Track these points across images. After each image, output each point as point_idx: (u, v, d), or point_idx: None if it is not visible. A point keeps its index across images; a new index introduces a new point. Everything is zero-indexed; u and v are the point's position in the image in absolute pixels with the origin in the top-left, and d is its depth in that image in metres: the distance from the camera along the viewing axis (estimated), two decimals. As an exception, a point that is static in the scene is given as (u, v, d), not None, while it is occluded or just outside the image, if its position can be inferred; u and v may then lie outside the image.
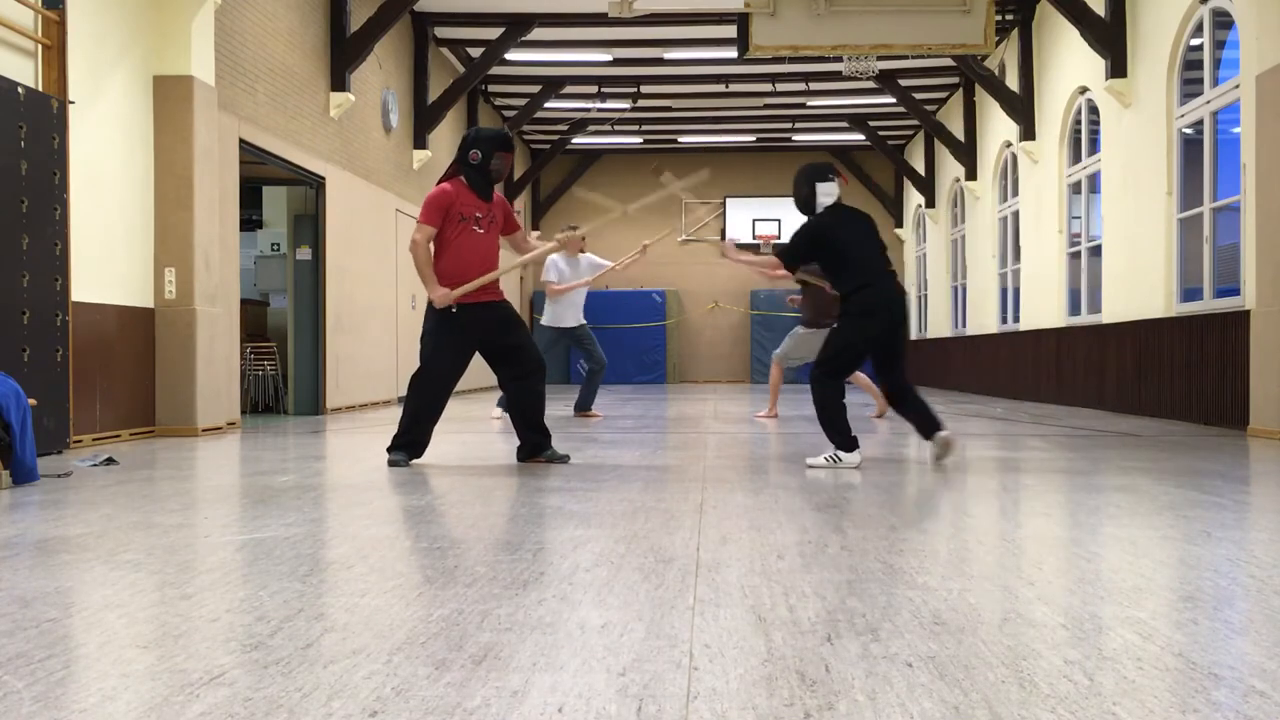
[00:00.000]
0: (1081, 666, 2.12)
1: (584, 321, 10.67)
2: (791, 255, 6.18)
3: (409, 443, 6.02)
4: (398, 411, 12.39)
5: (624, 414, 11.33)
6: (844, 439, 5.90)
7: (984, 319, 16.54)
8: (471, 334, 5.99)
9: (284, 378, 12.24)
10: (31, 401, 5.42)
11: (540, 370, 6.04)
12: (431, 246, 5.98)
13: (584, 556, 3.28)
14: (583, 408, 10.64)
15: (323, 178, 11.56)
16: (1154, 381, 10.20)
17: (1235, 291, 8.97)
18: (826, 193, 6.14)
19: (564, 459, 6.07)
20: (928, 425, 6.02)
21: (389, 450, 6.04)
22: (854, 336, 5.92)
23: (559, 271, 10.42)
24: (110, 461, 6.12)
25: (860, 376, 10.82)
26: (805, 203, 6.17)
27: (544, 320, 10.61)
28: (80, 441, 7.37)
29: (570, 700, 1.93)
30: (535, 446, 6.06)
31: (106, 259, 7.81)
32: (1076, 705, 1.90)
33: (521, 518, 4.14)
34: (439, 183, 6.01)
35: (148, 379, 8.33)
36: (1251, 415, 8.03)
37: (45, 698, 1.95)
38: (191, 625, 2.49)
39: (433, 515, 4.19)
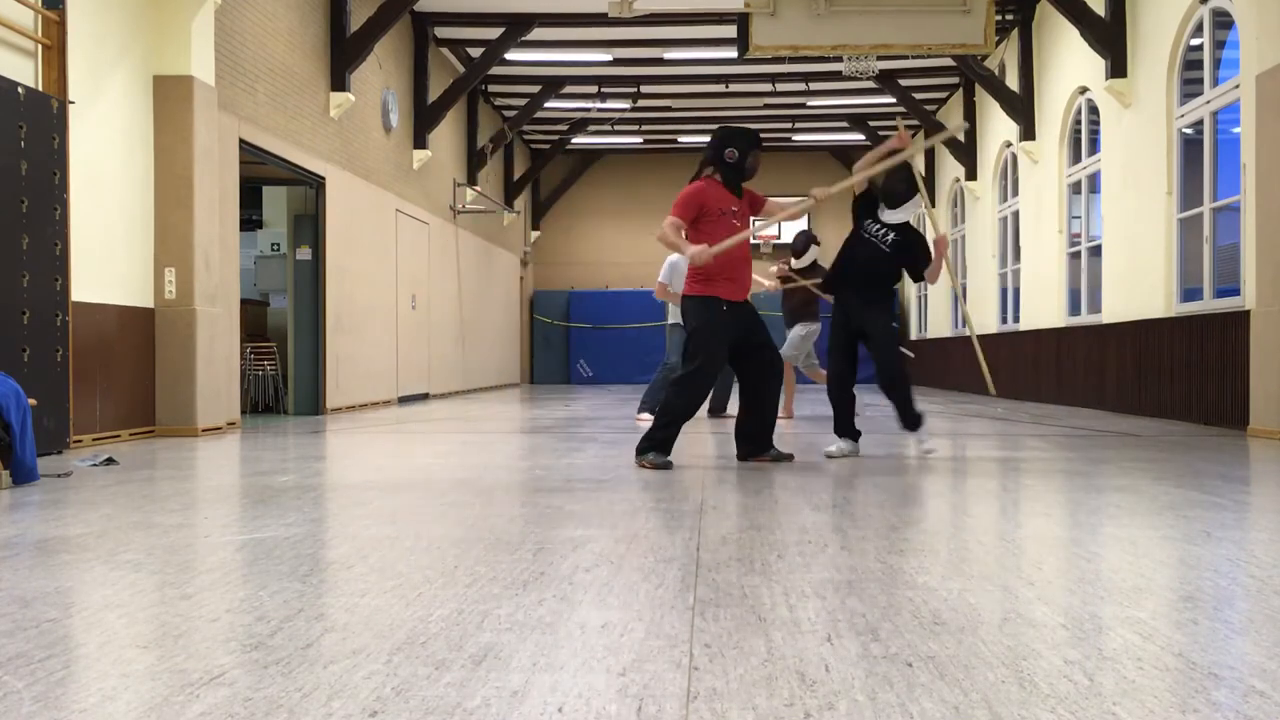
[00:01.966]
0: (1081, 666, 2.12)
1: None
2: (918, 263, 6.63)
3: (666, 440, 5.92)
4: (398, 411, 12.47)
5: (624, 414, 11.32)
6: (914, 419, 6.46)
7: (984, 319, 16.54)
8: (735, 331, 5.95)
9: (284, 378, 12.24)
10: (31, 401, 5.42)
11: (781, 371, 6.16)
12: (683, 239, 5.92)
13: (584, 556, 3.28)
14: (718, 410, 10.50)
15: (323, 178, 11.56)
16: (1154, 381, 10.20)
17: (1235, 291, 8.97)
18: (915, 205, 6.58)
19: (789, 458, 6.10)
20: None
21: (649, 453, 5.86)
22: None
23: (675, 271, 10.05)
24: (110, 461, 6.12)
25: (821, 372, 10.84)
26: (901, 197, 6.48)
27: (671, 320, 10.38)
28: (80, 441, 7.37)
29: (570, 700, 1.93)
30: (761, 446, 6.10)
31: (106, 259, 7.81)
32: (1076, 705, 1.90)
33: (521, 518, 4.15)
34: (690, 181, 6.06)
35: (148, 379, 8.33)
36: (1251, 415, 8.03)
37: (45, 698, 1.95)
38: (191, 625, 2.49)
39: (433, 515, 4.19)
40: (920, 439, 6.56)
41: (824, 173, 23.19)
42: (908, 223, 6.50)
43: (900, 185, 6.41)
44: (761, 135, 6.34)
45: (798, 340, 10.48)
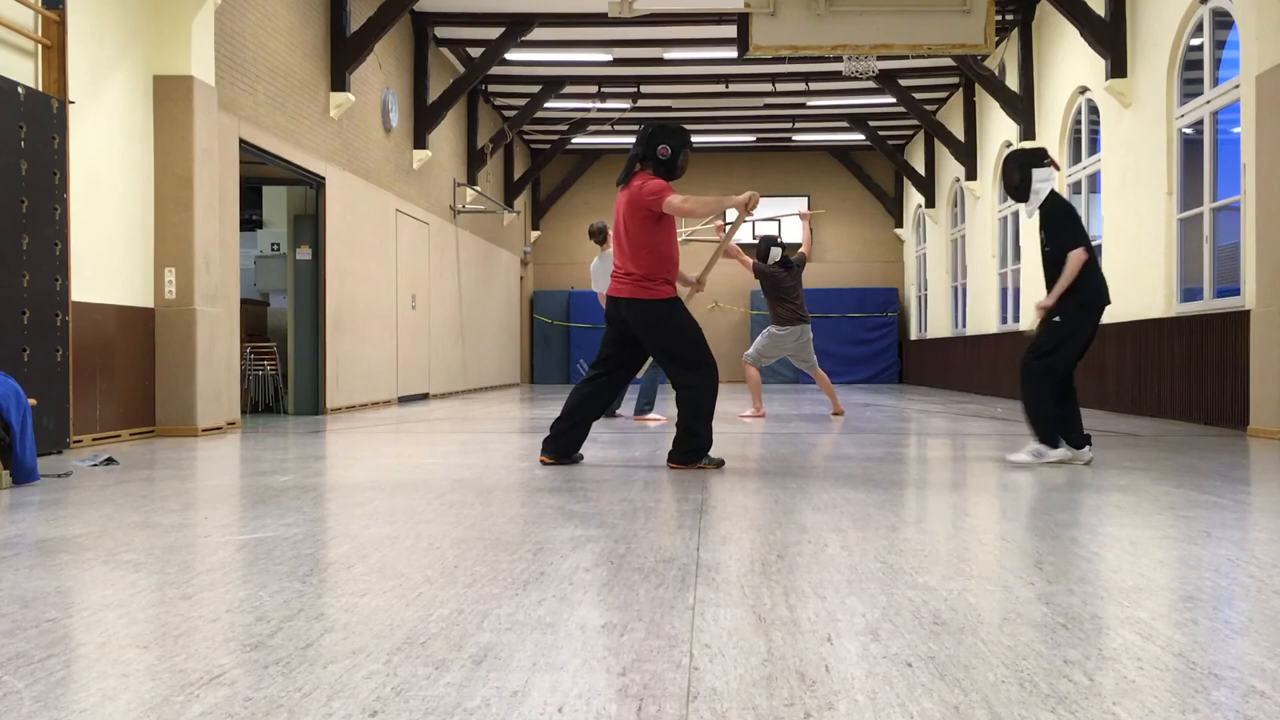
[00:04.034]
0: (1081, 666, 2.12)
1: None
2: (1072, 243, 5.92)
3: (710, 440, 5.87)
4: (398, 411, 12.47)
5: (624, 414, 11.32)
6: (1048, 434, 5.91)
7: (984, 319, 16.54)
8: None
9: (284, 378, 12.24)
10: (31, 401, 5.42)
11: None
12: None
13: (584, 556, 3.28)
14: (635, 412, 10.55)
15: (323, 178, 11.56)
16: (1154, 381, 10.20)
17: (1235, 291, 8.97)
18: (1043, 179, 6.00)
19: (719, 464, 5.97)
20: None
21: (700, 458, 5.80)
22: (1079, 330, 5.88)
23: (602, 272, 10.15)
24: (110, 461, 6.12)
25: (821, 376, 10.91)
26: (1017, 190, 6.06)
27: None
28: (80, 441, 7.37)
29: (570, 700, 1.93)
30: (576, 445, 6.08)
31: (106, 259, 7.81)
32: (1076, 705, 1.90)
33: (521, 518, 4.14)
34: (620, 180, 5.99)
35: (148, 379, 8.33)
36: (1251, 415, 8.03)
37: (45, 698, 1.95)
38: (191, 625, 2.49)
39: (433, 515, 4.19)
40: (1037, 450, 5.99)
41: (824, 173, 23.22)
42: (1045, 201, 6.01)
43: (1014, 178, 6.04)
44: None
45: (765, 343, 10.67)
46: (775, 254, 10.66)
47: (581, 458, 6.19)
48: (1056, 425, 5.96)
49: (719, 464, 5.85)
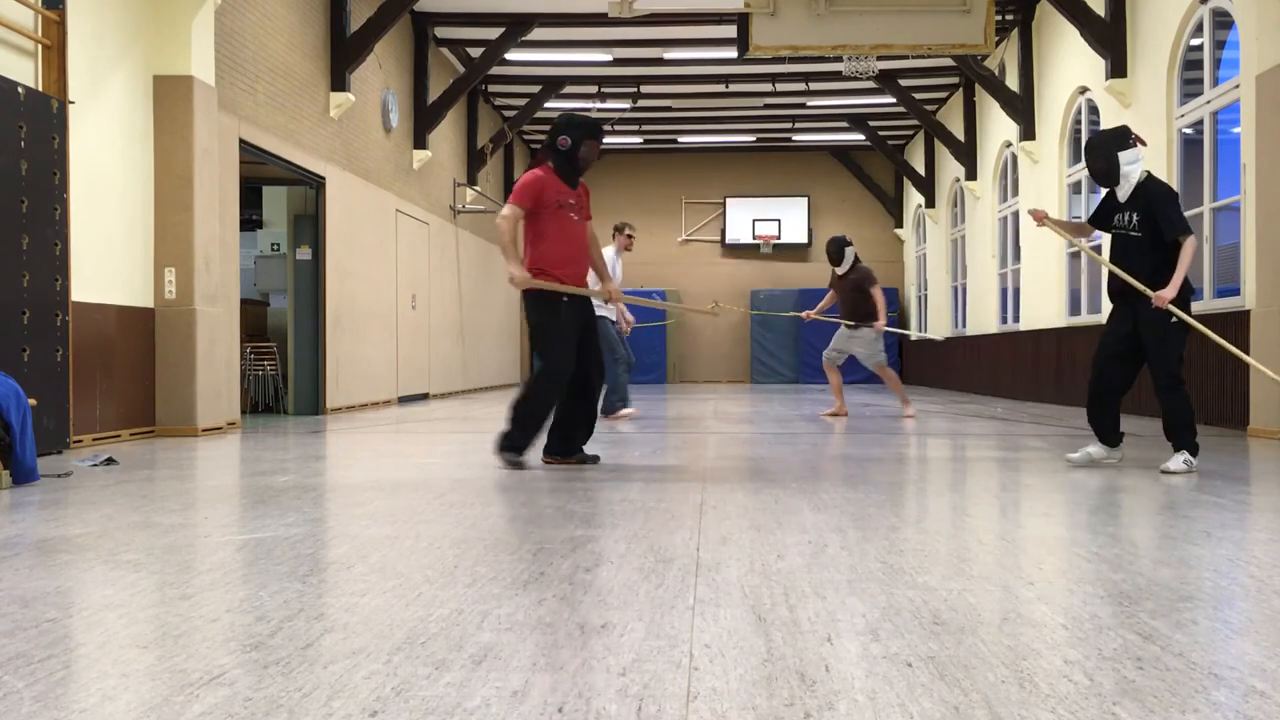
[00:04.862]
0: (1081, 666, 2.12)
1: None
2: (1185, 227, 5.58)
3: (529, 445, 5.87)
4: (398, 411, 12.47)
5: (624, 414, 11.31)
6: (1194, 440, 5.58)
7: (984, 319, 16.54)
8: (577, 328, 5.89)
9: (284, 378, 12.24)
10: (31, 401, 5.42)
11: (602, 374, 6.06)
12: (520, 230, 5.89)
13: (584, 556, 3.28)
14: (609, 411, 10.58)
15: (323, 178, 11.56)
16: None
17: (1235, 291, 8.97)
18: (1131, 160, 5.63)
19: (594, 460, 6.01)
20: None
21: (508, 452, 5.82)
22: (1181, 323, 5.52)
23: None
24: (110, 461, 6.12)
25: (891, 372, 10.79)
26: (1105, 176, 5.70)
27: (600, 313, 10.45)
28: (80, 441, 7.37)
29: (570, 700, 1.93)
30: (571, 444, 5.99)
31: (106, 259, 7.81)
32: (1076, 705, 1.90)
33: (521, 518, 4.14)
34: (529, 169, 6.00)
35: (148, 379, 8.33)
36: (1251, 415, 8.03)
37: (45, 698, 1.95)
38: (191, 625, 2.49)
39: (433, 515, 4.19)
40: (1188, 460, 5.56)
41: (824, 173, 23.21)
42: (1141, 182, 5.68)
43: (1100, 164, 5.69)
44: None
45: (870, 341, 10.54)
46: (849, 255, 10.56)
47: (597, 459, 6.11)
48: (1114, 423, 5.78)
49: (516, 465, 5.77)
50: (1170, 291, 5.47)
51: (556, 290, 5.75)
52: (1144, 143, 5.80)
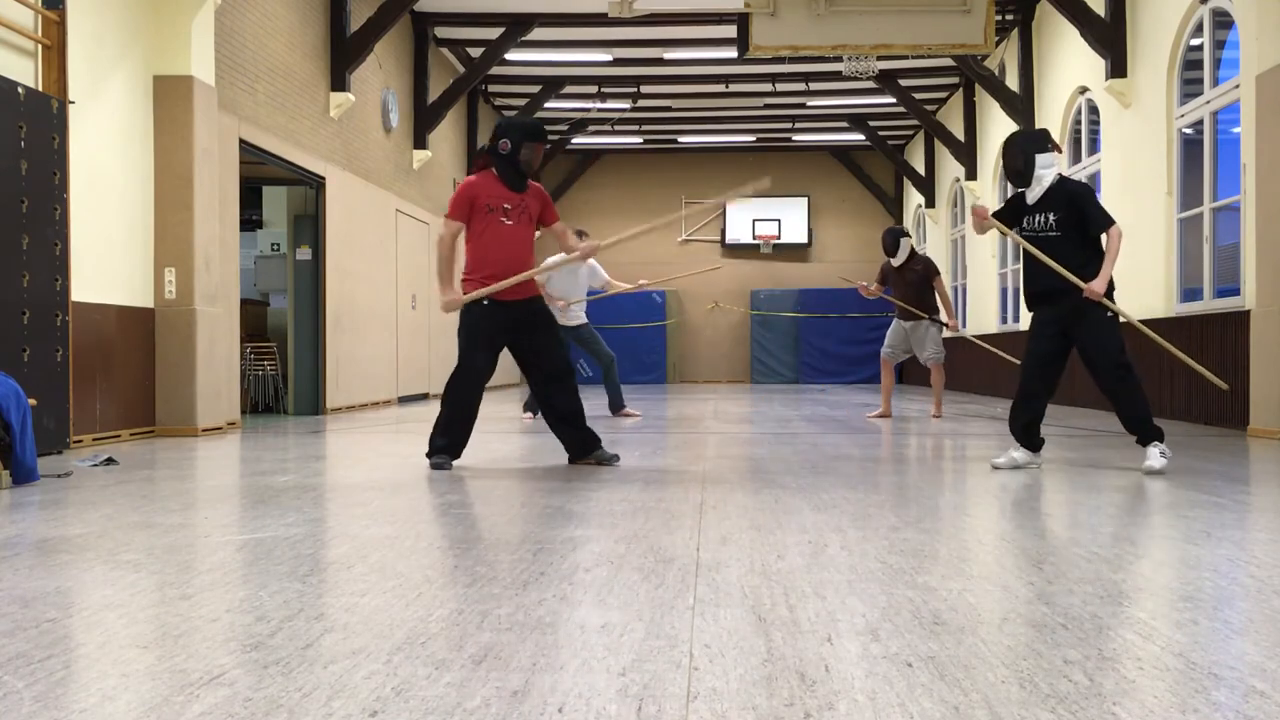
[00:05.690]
0: (1081, 666, 2.12)
1: (586, 320, 10.66)
2: (1110, 219, 5.66)
3: (449, 445, 5.88)
4: (398, 411, 12.47)
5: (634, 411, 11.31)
6: (1156, 430, 5.56)
7: (984, 319, 16.54)
8: (502, 331, 5.84)
9: (284, 378, 12.24)
10: (31, 401, 5.42)
11: (570, 373, 5.96)
12: (462, 240, 5.90)
13: (584, 556, 3.28)
14: (618, 407, 10.58)
15: (323, 178, 11.56)
16: (1154, 381, 10.18)
17: (1235, 291, 8.97)
18: (1046, 165, 5.68)
19: (613, 460, 6.01)
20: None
21: (430, 455, 5.88)
22: (1115, 315, 5.63)
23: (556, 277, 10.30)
24: (110, 461, 6.12)
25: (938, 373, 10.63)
26: (1019, 176, 5.73)
27: (577, 323, 10.54)
28: (80, 441, 7.37)
29: (570, 700, 1.93)
30: (583, 446, 5.99)
31: (106, 259, 7.81)
32: (1076, 705, 1.89)
33: (521, 518, 4.14)
34: (470, 173, 6.03)
35: (148, 379, 8.33)
36: (1251, 415, 8.03)
37: (45, 698, 1.95)
38: (191, 625, 2.49)
39: (432, 515, 4.19)
40: (1163, 449, 5.57)
41: (824, 173, 23.20)
42: (1053, 184, 5.70)
43: (1017, 163, 5.72)
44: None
45: (893, 337, 10.40)
46: (905, 245, 10.24)
47: (616, 457, 6.10)
48: (1033, 425, 5.82)
49: (441, 465, 5.78)
50: (1101, 284, 5.57)
51: (474, 297, 5.75)
52: (1060, 150, 5.90)
